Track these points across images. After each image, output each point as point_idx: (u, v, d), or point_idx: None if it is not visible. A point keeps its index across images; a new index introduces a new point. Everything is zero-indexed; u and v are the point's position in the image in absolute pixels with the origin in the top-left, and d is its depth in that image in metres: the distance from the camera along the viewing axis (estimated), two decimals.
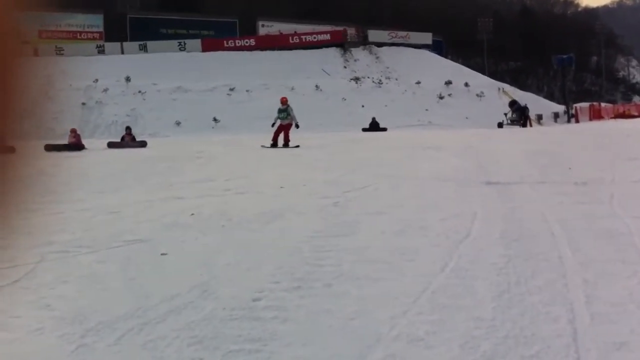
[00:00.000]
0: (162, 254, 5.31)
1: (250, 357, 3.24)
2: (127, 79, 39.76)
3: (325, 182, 9.60)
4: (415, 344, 3.35)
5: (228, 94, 40.42)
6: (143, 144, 20.99)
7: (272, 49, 48.00)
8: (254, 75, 41.23)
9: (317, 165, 12.10)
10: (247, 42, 49.04)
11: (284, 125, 17.84)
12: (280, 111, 18.09)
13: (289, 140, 17.61)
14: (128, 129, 24.58)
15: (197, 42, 47.47)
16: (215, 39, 48.17)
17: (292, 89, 40.49)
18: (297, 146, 17.03)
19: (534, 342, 3.27)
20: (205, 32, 50.51)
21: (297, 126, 17.87)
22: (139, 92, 39.22)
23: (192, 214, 7.11)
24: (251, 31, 52.44)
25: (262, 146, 17.31)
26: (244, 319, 3.75)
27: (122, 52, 45.93)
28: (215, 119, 36.46)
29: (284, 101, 18.53)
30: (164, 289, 4.33)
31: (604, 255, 4.88)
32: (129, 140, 22.28)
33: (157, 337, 3.50)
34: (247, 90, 40.35)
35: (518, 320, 3.57)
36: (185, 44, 47.06)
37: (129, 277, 4.70)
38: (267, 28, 52.69)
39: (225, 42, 48.14)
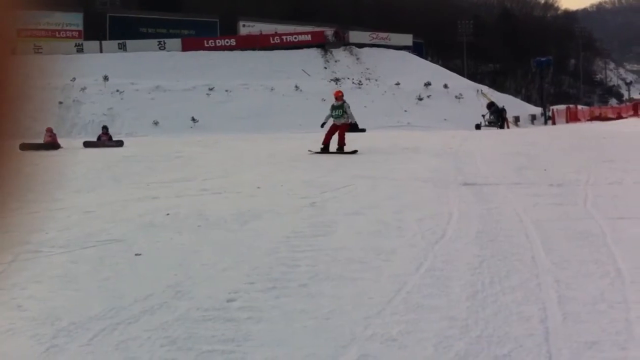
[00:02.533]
0: (136, 254, 5.27)
1: (223, 357, 3.22)
2: (105, 78, 39.44)
3: (304, 182, 9.59)
4: (390, 344, 3.35)
5: (207, 94, 40.28)
6: (120, 144, 20.82)
7: (253, 49, 47.95)
8: (234, 75, 41.17)
9: (296, 166, 12.09)
10: (227, 42, 48.97)
11: (339, 125, 14.51)
12: (334, 108, 14.71)
13: (344, 144, 14.32)
14: (105, 128, 24.38)
15: (178, 42, 47.29)
16: (195, 39, 48.04)
17: (272, 89, 40.51)
18: (355, 151, 14.17)
19: (506, 342, 3.29)
20: (186, 32, 50.34)
21: (356, 127, 15.51)
22: (117, 91, 38.95)
23: (168, 214, 7.07)
24: (232, 31, 52.34)
25: (310, 151, 14.39)
26: (218, 319, 3.73)
27: (101, 51, 45.57)
28: (193, 119, 36.31)
29: (338, 96, 15.02)
30: (137, 289, 4.30)
31: (577, 256, 4.93)
32: (105, 139, 22.10)
33: (129, 338, 3.48)
34: (226, 90, 40.25)
35: (491, 320, 3.60)
36: (165, 43, 46.84)
37: (103, 277, 4.66)
38: (248, 28, 52.63)
39: (205, 41, 48.03)
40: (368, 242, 5.60)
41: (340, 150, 14.09)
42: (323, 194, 8.41)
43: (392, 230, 6.09)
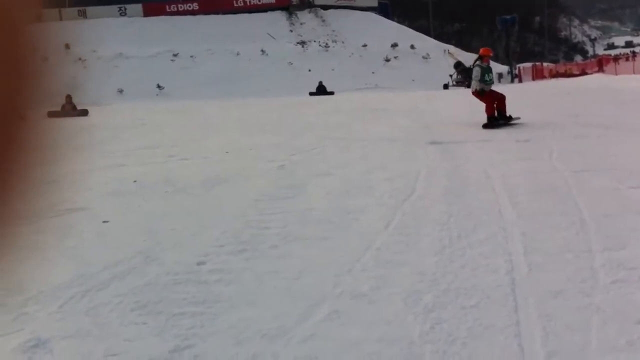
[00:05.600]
0: (103, 222, 5.21)
1: (194, 319, 3.22)
2: (66, 47, 38.44)
3: (272, 145, 9.54)
4: (360, 299, 3.38)
5: (172, 60, 39.65)
6: (84, 113, 20.41)
7: (216, 13, 47.09)
8: (198, 40, 40.53)
9: (264, 130, 12.01)
10: (190, 6, 47.97)
11: (494, 91, 11.45)
12: (483, 71, 11.15)
13: (505, 111, 11.15)
14: (68, 97, 23.81)
15: (138, 7, 46.20)
16: (156, 4, 46.94)
17: (238, 54, 40.01)
18: (518, 118, 11.12)
19: (474, 293, 3.35)
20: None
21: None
22: (79, 59, 38.08)
23: (135, 181, 6.98)
24: None
25: (486, 126, 10.77)
26: (188, 282, 3.72)
27: (61, 19, 44.36)
28: (159, 86, 35.76)
29: (487, 53, 11.54)
30: (106, 256, 4.26)
31: (542, 209, 5.01)
32: (69, 109, 21.63)
33: (99, 304, 3.45)
34: (191, 56, 39.65)
35: (459, 273, 3.64)
36: (125, 9, 45.75)
37: (70, 246, 4.60)
38: None
39: (167, 6, 46.99)
40: (337, 202, 5.62)
41: (508, 118, 11.04)
42: (292, 157, 8.38)
43: (362, 190, 6.11)
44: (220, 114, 17.06)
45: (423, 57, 45.29)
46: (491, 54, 11.59)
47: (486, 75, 11.15)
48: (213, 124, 14.08)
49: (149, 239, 4.68)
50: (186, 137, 11.42)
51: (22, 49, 0.61)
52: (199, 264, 4.04)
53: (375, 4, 55.68)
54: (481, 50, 11.75)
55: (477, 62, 11.39)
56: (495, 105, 11.07)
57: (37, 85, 0.60)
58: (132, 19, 44.59)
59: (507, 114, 11.08)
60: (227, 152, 9.01)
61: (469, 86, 32.73)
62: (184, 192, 6.46)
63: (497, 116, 11.01)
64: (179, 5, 47.83)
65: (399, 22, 62.60)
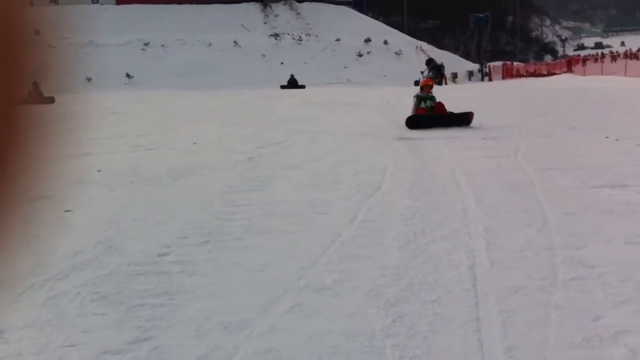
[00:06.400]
0: (66, 211, 5.13)
1: (155, 311, 3.19)
2: (36, 33, 37.80)
3: (241, 137, 9.50)
4: (323, 292, 3.38)
5: (142, 49, 39.19)
6: (51, 100, 20.09)
7: (190, 2, 46.68)
8: (170, 29, 40.13)
9: (233, 122, 11.95)
10: None
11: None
12: (419, 99, 11.18)
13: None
14: (35, 84, 23.15)
15: None
16: None
17: (210, 44, 39.74)
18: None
19: (435, 288, 3.37)
20: None
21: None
22: (49, 45, 37.43)
23: (100, 171, 6.89)
24: None
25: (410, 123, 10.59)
26: (150, 273, 3.68)
27: (32, 5, 43.44)
28: (128, 75, 35.35)
29: (426, 84, 11.81)
30: (67, 245, 4.20)
31: (506, 206, 5.06)
32: (35, 96, 21.24)
33: (58, 294, 3.40)
34: (162, 45, 39.26)
35: (421, 268, 3.66)
36: None
37: (30, 235, 4.51)
38: None
39: None
40: (304, 196, 5.61)
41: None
42: (261, 149, 8.35)
43: (329, 184, 6.12)
44: (189, 104, 16.93)
45: (396, 53, 45.51)
46: (431, 84, 11.77)
47: (422, 103, 11.11)
48: (182, 114, 13.96)
49: (111, 228, 4.62)
50: (154, 127, 11.31)
51: (14, 33, 0.60)
52: (161, 255, 4.01)
53: None
54: (422, 82, 12.43)
55: (417, 92, 11.45)
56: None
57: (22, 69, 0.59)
58: (105, 6, 43.98)
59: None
60: (195, 143, 8.94)
61: (439, 83, 32.99)
62: (149, 182, 6.39)
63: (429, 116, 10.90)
64: None
65: (373, 17, 62.75)
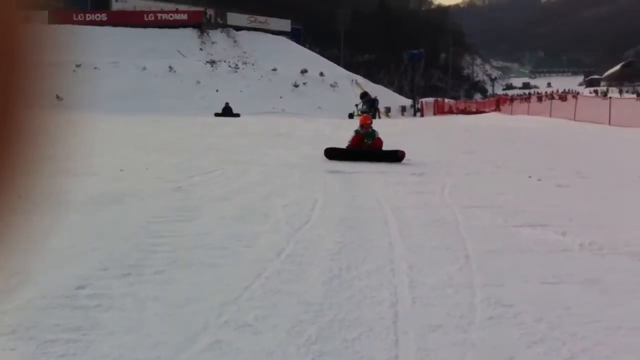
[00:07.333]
0: None
1: (67, 346, 3.06)
2: None
3: (171, 165, 9.37)
4: (243, 329, 3.33)
5: (74, 71, 38.32)
6: None
7: (125, 25, 46.11)
8: (104, 52, 39.40)
9: (164, 149, 11.79)
10: (98, 17, 46.78)
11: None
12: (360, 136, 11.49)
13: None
14: None
15: (44, 14, 44.28)
16: (64, 11, 45.41)
17: (144, 68, 39.25)
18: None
19: (357, 326, 3.37)
20: (53, 3, 47.44)
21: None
22: None
23: (20, 197, 6.63)
24: (104, 5, 50.03)
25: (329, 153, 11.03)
26: (65, 307, 3.55)
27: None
28: (58, 97, 34.30)
29: (364, 121, 12.00)
30: None
31: (431, 242, 5.15)
32: None
33: None
34: (95, 68, 38.50)
35: (345, 305, 3.67)
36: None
37: None
38: (122, 3, 50.50)
39: (74, 15, 45.53)
40: (231, 228, 5.56)
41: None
42: (190, 178, 8.25)
43: (257, 216, 6.08)
44: (119, 129, 16.60)
45: (331, 85, 46.09)
46: (369, 122, 11.96)
47: (365, 139, 11.37)
48: (111, 139, 13.66)
49: (27, 259, 4.44)
50: (80, 152, 11.00)
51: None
52: (78, 287, 3.87)
53: (288, 29, 56.36)
54: (361, 119, 12.39)
55: (356, 129, 11.72)
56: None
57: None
58: (36, 25, 42.90)
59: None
60: (122, 170, 8.75)
61: (373, 116, 33.66)
62: (71, 210, 6.19)
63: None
64: (87, 15, 46.54)
65: (310, 48, 63.53)
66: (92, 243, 4.93)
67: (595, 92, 74.48)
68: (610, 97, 29.46)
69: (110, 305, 3.60)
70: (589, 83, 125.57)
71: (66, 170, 8.77)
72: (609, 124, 20.14)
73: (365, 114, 12.78)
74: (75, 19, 45.12)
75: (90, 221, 5.74)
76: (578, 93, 49.32)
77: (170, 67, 40.95)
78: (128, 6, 49.63)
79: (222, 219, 5.95)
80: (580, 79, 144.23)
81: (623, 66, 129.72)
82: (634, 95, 42.40)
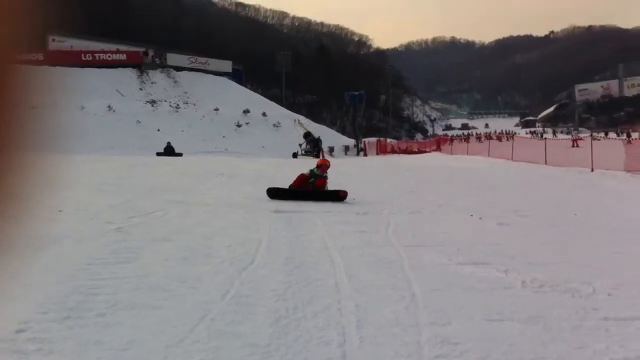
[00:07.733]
0: None
1: None
2: None
3: (110, 206, 9.17)
4: None
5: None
6: None
7: (63, 65, 45.36)
8: (39, 92, 38.61)
9: (104, 189, 11.54)
10: (34, 56, 45.48)
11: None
12: (315, 177, 11.72)
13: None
14: None
15: None
16: None
17: (83, 108, 38.58)
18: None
19: None
20: None
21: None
22: None
23: None
24: (40, 45, 49.16)
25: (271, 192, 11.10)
26: (4, 352, 3.39)
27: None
28: None
29: (323, 163, 12.22)
30: None
31: (376, 282, 5.16)
32: None
33: None
34: (32, 107, 37.59)
35: (292, 346, 3.63)
36: None
37: None
38: (59, 43, 49.73)
39: None
40: (174, 270, 5.45)
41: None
42: (131, 219, 8.08)
43: (200, 257, 5.99)
44: (56, 170, 16.16)
45: (274, 125, 46.30)
46: (328, 164, 12.09)
47: (311, 179, 11.58)
48: (47, 180, 13.29)
49: None
50: (15, 193, 10.66)
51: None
52: (18, 331, 3.71)
53: (229, 70, 56.64)
54: (319, 161, 12.59)
55: (313, 169, 11.87)
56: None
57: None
58: None
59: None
60: (60, 211, 8.49)
61: (317, 156, 33.87)
62: (7, 253, 5.95)
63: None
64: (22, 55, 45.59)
65: (252, 89, 63.93)
66: (30, 286, 4.74)
67: (533, 132, 77.40)
68: (545, 138, 30.49)
69: (51, 349, 3.46)
70: (525, 124, 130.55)
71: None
72: (545, 163, 20.81)
73: (323, 159, 13.21)
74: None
75: (28, 264, 5.52)
76: (515, 133, 51.03)
77: (109, 107, 40.41)
78: (65, 46, 48.90)
79: (164, 260, 5.83)
80: (517, 120, 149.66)
81: (556, 108, 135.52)
82: (569, 136, 44.14)
